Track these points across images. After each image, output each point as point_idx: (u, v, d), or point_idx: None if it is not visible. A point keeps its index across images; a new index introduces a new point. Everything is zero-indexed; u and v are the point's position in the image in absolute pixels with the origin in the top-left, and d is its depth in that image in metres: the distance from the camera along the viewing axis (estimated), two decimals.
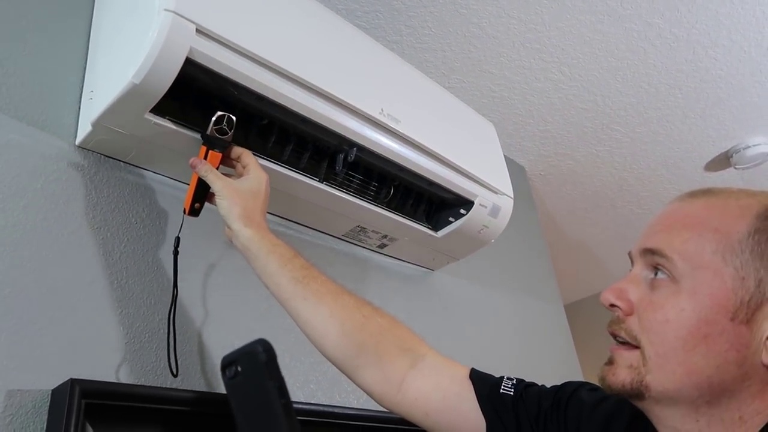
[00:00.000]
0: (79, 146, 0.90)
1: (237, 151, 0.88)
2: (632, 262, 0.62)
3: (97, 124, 0.85)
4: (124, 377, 0.84)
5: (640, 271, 0.60)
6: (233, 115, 0.85)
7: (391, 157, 1.05)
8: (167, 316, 0.89)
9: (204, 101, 0.87)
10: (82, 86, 0.94)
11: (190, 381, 0.91)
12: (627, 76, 1.66)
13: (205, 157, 0.85)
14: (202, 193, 0.87)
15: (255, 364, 0.51)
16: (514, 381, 0.75)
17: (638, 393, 0.57)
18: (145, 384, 0.85)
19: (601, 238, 2.48)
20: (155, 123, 0.84)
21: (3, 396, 0.72)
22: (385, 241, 1.25)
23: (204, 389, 0.92)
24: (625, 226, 2.38)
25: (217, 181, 0.83)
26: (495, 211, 1.22)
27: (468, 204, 1.20)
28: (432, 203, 1.23)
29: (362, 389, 0.78)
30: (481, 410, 0.72)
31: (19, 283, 0.79)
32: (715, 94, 1.73)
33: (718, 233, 0.56)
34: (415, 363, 0.77)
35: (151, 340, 0.89)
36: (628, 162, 2.02)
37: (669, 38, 1.54)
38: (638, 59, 1.60)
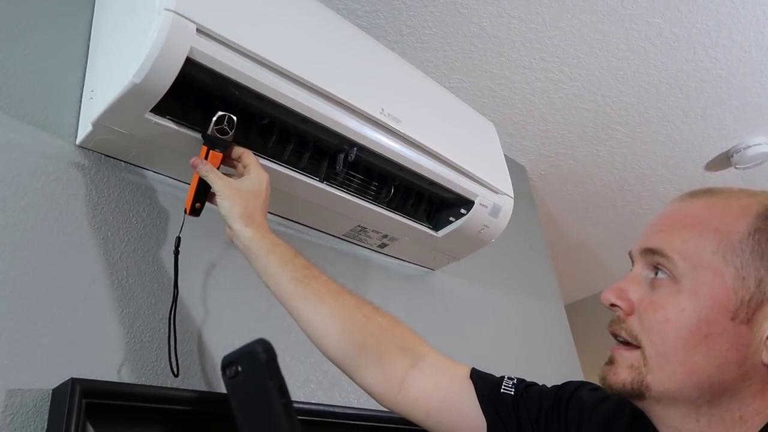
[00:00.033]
0: (79, 146, 0.90)
1: (238, 150, 0.88)
2: (633, 261, 0.62)
3: (97, 124, 0.85)
4: (125, 377, 0.84)
5: (641, 270, 0.60)
6: (234, 114, 0.85)
7: (391, 157, 1.05)
8: (168, 315, 0.89)
9: (204, 101, 0.87)
10: (83, 86, 0.94)
11: (191, 381, 0.91)
12: (627, 76, 1.66)
13: (206, 157, 0.85)
14: (203, 193, 0.87)
15: (255, 363, 0.51)
16: (515, 381, 0.75)
17: (639, 393, 0.57)
18: (145, 383, 0.85)
19: (601, 238, 2.47)
20: (156, 123, 0.84)
21: (3, 395, 0.72)
22: (385, 240, 1.25)
23: (205, 389, 0.92)
24: (626, 226, 2.37)
25: (217, 180, 0.83)
26: (495, 211, 1.22)
27: (468, 204, 1.20)
28: (432, 203, 1.23)
29: (363, 389, 0.78)
30: (482, 410, 0.72)
31: (19, 283, 0.79)
32: (716, 94, 1.73)
33: (718, 233, 0.56)
34: (415, 363, 0.77)
35: (151, 340, 0.89)
36: (629, 162, 2.02)
37: (669, 38, 1.53)
38: (639, 59, 1.60)
